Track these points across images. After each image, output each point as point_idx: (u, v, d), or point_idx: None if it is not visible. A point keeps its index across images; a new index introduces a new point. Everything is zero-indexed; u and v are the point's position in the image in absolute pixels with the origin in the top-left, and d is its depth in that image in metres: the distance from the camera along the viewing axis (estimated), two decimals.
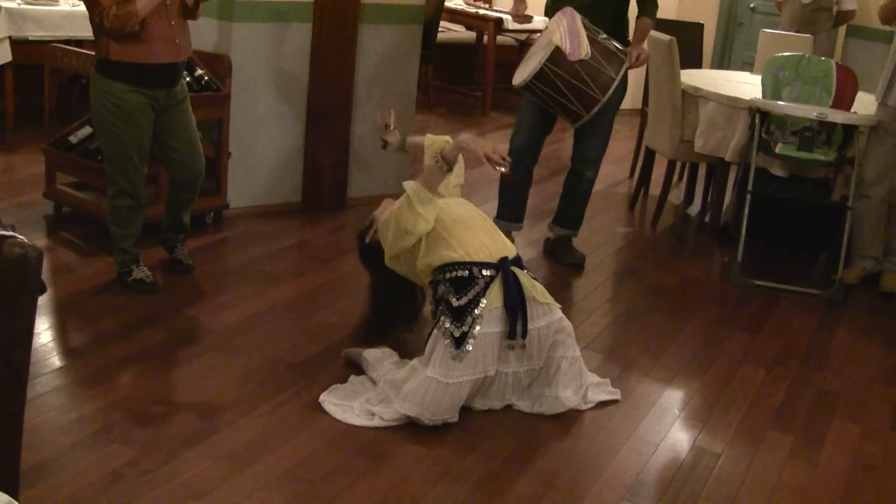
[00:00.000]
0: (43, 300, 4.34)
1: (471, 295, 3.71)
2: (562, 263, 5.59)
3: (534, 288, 3.82)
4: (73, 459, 3.29)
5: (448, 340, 3.67)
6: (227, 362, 4.08)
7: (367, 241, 4.17)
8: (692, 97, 6.24)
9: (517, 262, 3.88)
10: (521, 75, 5.14)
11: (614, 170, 7.72)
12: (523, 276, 3.81)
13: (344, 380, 3.96)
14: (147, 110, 4.42)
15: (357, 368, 4.06)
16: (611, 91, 5.01)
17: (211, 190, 5.59)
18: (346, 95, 6.01)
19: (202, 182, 4.79)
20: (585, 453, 3.67)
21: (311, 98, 5.90)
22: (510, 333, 3.72)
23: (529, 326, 3.76)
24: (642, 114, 7.42)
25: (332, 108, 5.97)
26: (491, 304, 3.71)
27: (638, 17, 5.40)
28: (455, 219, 3.89)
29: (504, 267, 3.77)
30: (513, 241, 5.62)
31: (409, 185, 3.81)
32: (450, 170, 3.87)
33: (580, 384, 3.96)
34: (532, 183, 5.67)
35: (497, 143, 4.00)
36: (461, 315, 3.68)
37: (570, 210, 5.63)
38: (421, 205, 3.77)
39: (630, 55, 5.19)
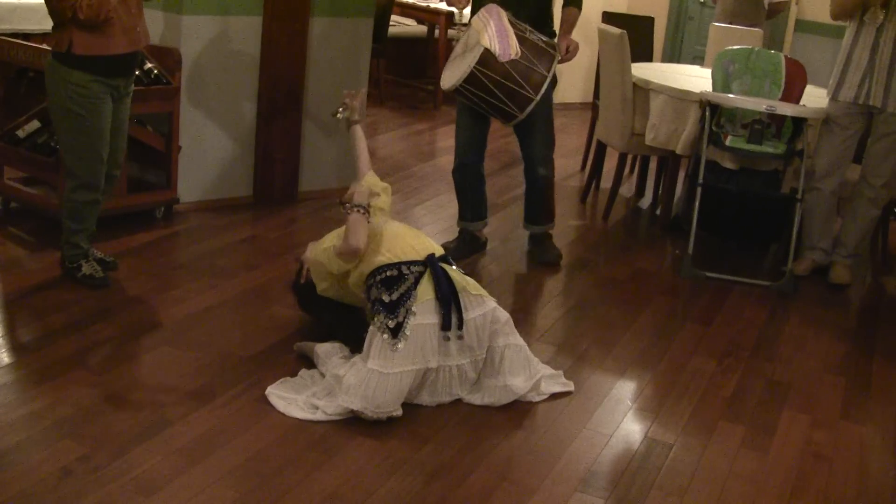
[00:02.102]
0: None
1: (402, 290, 3.81)
2: (537, 262, 5.59)
3: (464, 280, 3.92)
4: (22, 456, 3.26)
5: (385, 334, 3.72)
6: (179, 356, 4.06)
7: (302, 281, 4.34)
8: (643, 90, 6.28)
9: (445, 259, 4.00)
10: (451, 79, 5.03)
11: (566, 163, 7.74)
12: (452, 271, 3.93)
13: (296, 374, 3.96)
14: (108, 100, 4.39)
15: (309, 362, 4.06)
16: (543, 89, 4.94)
17: (161, 184, 5.55)
18: (297, 88, 5.99)
19: (118, 176, 4.75)
20: (539, 445, 3.69)
21: (261, 91, 5.88)
22: (444, 324, 3.78)
23: (464, 318, 3.82)
24: (594, 107, 7.45)
25: (283, 101, 5.95)
26: (423, 296, 3.79)
27: (564, 7, 5.32)
28: (381, 232, 4.04)
29: (432, 261, 3.89)
30: (484, 239, 5.67)
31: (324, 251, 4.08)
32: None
33: (530, 373, 3.99)
34: (485, 179, 5.67)
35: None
36: (394, 308, 3.76)
37: (535, 207, 5.62)
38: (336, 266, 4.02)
39: (559, 48, 5.11)
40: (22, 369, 3.85)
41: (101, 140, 4.42)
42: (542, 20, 5.28)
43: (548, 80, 4.95)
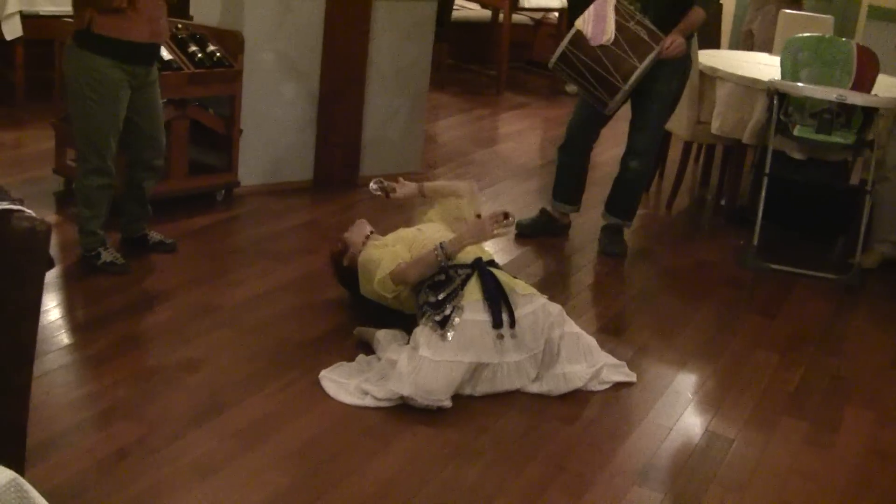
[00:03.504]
0: (51, 276, 4.35)
1: (449, 290, 3.87)
2: (602, 253, 5.54)
3: (512, 282, 3.99)
4: (79, 437, 3.30)
5: (433, 325, 3.78)
6: (236, 340, 4.08)
7: (346, 265, 4.37)
8: (710, 78, 6.20)
9: (492, 263, 4.08)
10: (553, 56, 5.10)
11: None
12: (500, 273, 4.00)
13: (353, 359, 3.96)
14: (125, 87, 4.36)
15: (368, 348, 4.06)
16: (632, 80, 4.90)
17: (222, 167, 5.58)
18: (358, 72, 5.99)
19: (163, 164, 4.75)
20: (596, 437, 3.67)
21: (323, 75, 5.88)
22: (496, 322, 3.82)
23: (516, 315, 3.87)
24: None
25: (345, 84, 5.95)
26: (470, 295, 3.86)
27: (692, 6, 5.14)
28: (425, 243, 4.08)
29: (479, 264, 3.96)
30: (565, 223, 5.68)
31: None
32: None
33: (592, 362, 3.97)
34: (587, 167, 5.65)
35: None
36: (441, 304, 3.83)
37: (618, 198, 5.57)
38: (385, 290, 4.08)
39: (663, 42, 4.99)
40: (81, 350, 3.89)
41: (114, 127, 4.40)
42: (670, 15, 5.11)
43: (639, 71, 4.89)
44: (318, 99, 5.92)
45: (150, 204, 4.80)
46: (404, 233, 4.31)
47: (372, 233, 4.39)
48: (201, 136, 5.49)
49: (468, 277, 3.92)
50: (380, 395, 3.68)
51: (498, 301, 3.86)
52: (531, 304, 3.95)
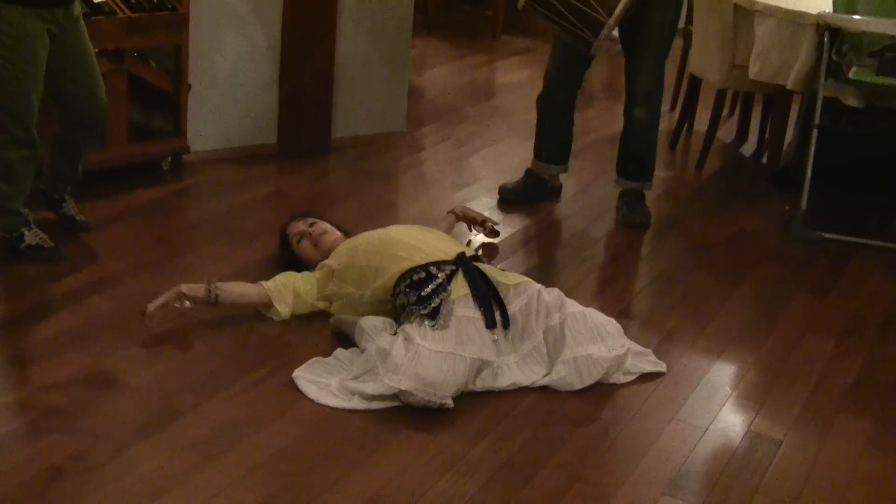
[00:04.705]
0: None
1: (433, 286, 3.95)
2: (620, 224, 5.56)
3: (501, 275, 4.09)
4: (4, 453, 3.29)
5: (421, 318, 3.83)
6: (191, 335, 4.10)
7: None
8: (747, 13, 6.19)
9: (476, 258, 4.22)
10: None
11: None
12: (486, 267, 4.11)
13: (329, 354, 3.97)
14: (44, 37, 4.30)
15: (346, 341, 4.07)
16: (617, 11, 4.91)
17: (168, 131, 5.57)
18: (329, 16, 5.98)
19: (105, 118, 4.73)
20: (619, 439, 3.68)
21: (287, 19, 5.87)
22: (488, 323, 3.88)
23: (509, 312, 3.97)
24: (685, 34, 7.37)
25: (313, 31, 5.94)
26: (457, 291, 3.94)
27: None
28: (394, 239, 4.28)
29: (463, 260, 4.09)
30: (554, 186, 5.74)
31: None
32: None
33: (610, 345, 3.96)
34: (572, 120, 5.69)
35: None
36: (427, 299, 3.90)
37: (628, 157, 5.60)
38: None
39: None
40: (5, 350, 3.89)
41: (35, 89, 4.34)
42: None
43: (623, 3, 4.90)
44: (281, 48, 5.92)
45: (84, 175, 4.79)
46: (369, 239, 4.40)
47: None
48: (142, 94, 5.49)
49: (452, 274, 4.00)
50: (370, 391, 3.68)
51: (488, 299, 3.94)
52: (524, 296, 4.03)
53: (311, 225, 4.57)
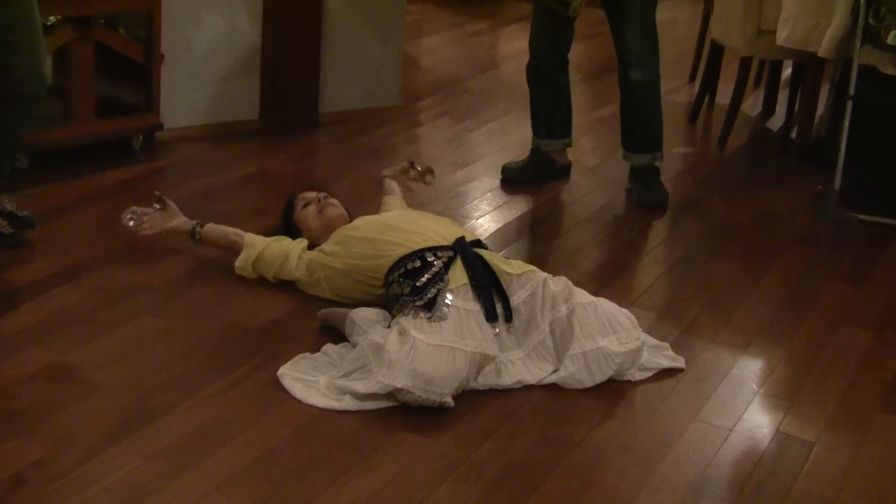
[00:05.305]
0: None
1: (429, 275, 3.95)
2: (636, 204, 5.56)
3: (504, 263, 4.10)
4: None
5: (416, 310, 3.83)
6: (166, 329, 4.09)
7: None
8: None
9: (477, 243, 4.23)
10: None
11: (670, 71, 7.63)
12: (488, 254, 4.12)
13: (318, 349, 3.97)
14: None
15: (336, 335, 4.07)
16: None
17: (139, 105, 5.56)
18: None
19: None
20: (635, 441, 3.68)
21: None
22: (489, 316, 3.89)
23: (512, 304, 3.97)
24: None
25: None
26: (455, 280, 3.94)
27: None
28: (388, 224, 4.32)
29: (462, 245, 4.09)
30: (563, 164, 5.77)
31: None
32: None
33: (623, 338, 3.95)
34: (566, 88, 5.69)
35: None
36: (422, 289, 3.90)
37: (632, 126, 5.61)
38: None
39: None
40: None
41: None
42: None
43: None
44: (262, 15, 5.91)
45: (47, 155, 4.76)
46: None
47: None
48: (111, 65, 5.48)
49: (450, 261, 4.00)
50: (363, 391, 3.67)
51: (489, 289, 3.94)
52: (529, 285, 4.02)
53: (324, 197, 4.64)
